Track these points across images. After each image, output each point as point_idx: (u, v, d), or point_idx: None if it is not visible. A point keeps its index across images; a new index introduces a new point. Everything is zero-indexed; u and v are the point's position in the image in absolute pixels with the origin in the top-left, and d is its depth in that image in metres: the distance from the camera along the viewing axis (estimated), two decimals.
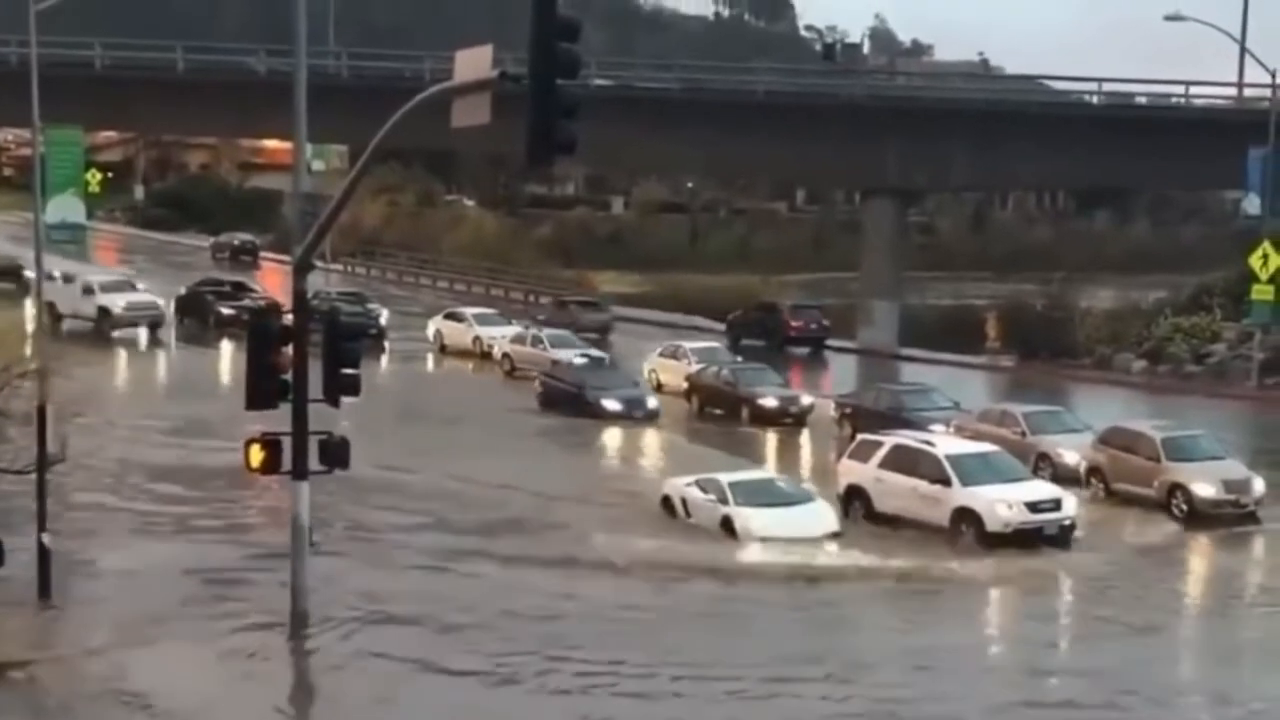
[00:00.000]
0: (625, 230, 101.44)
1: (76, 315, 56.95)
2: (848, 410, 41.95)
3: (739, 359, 49.79)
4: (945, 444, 31.53)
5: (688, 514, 30.13)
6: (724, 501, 29.33)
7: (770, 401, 43.21)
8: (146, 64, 68.44)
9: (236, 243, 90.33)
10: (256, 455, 21.72)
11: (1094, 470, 33.64)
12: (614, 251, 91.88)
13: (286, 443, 21.67)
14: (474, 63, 18.60)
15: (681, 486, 30.72)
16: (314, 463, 21.84)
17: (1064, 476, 33.17)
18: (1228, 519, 31.11)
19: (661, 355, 49.75)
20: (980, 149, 60.67)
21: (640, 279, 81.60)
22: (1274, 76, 54.24)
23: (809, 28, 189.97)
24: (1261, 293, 50.78)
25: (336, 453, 21.92)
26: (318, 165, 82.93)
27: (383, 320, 58.15)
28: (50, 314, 54.07)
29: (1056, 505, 29.20)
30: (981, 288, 67.66)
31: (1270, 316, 50.93)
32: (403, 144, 62.66)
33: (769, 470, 31.96)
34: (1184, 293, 59.31)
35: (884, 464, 30.66)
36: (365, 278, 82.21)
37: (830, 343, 62.47)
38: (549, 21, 17.01)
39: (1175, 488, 31.51)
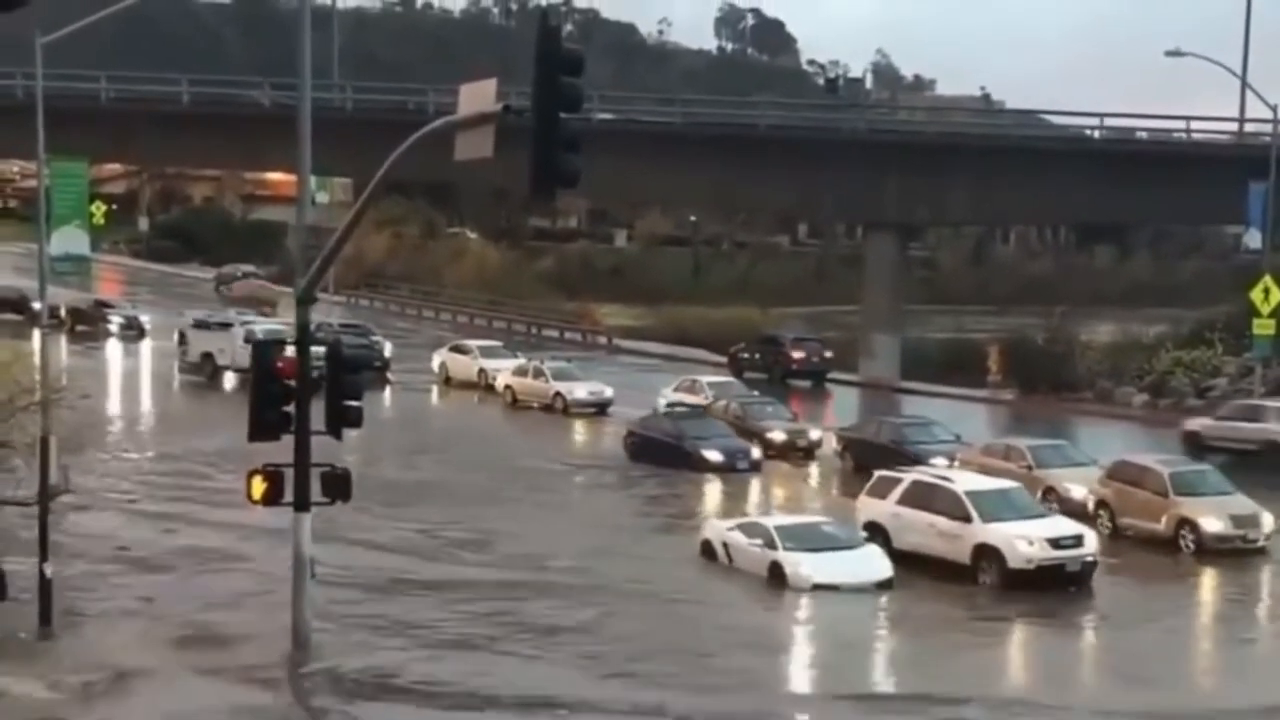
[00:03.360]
0: (627, 263, 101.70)
1: (237, 368, 51.40)
2: (849, 443, 41.96)
3: (755, 393, 49.65)
4: (964, 480, 31.14)
5: (730, 559, 29.20)
6: (771, 546, 28.26)
7: (778, 435, 43.10)
8: (151, 97, 68.80)
9: (240, 275, 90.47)
10: (258, 487, 21.79)
11: (1101, 505, 33.51)
12: (616, 284, 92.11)
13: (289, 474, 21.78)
14: (478, 96, 18.75)
15: (723, 530, 29.84)
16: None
17: (1070, 511, 33.01)
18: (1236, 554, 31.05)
19: (677, 389, 49.69)
20: (981, 183, 60.84)
21: (642, 311, 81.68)
22: (1275, 112, 54.29)
23: (811, 62, 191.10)
24: (1263, 327, 50.74)
25: (338, 484, 21.98)
26: (321, 198, 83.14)
27: (387, 353, 58.25)
28: (208, 364, 54.17)
29: (1078, 541, 28.86)
30: (982, 321, 67.73)
31: (1271, 350, 50.93)
32: (406, 177, 62.94)
33: (816, 514, 31.16)
34: (1185, 327, 59.41)
35: (903, 500, 30.30)
36: (369, 309, 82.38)
37: (832, 375, 62.54)
38: (553, 55, 17.12)
39: (1183, 523, 31.45)
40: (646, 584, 28.06)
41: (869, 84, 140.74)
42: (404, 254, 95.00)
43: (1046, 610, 27.21)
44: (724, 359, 64.31)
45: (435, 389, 56.76)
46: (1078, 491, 34.52)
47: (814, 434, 43.96)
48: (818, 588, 27.39)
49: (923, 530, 29.59)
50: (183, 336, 60.55)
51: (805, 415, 48.20)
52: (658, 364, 66.88)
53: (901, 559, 29.09)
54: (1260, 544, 31.45)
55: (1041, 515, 29.95)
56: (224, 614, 24.92)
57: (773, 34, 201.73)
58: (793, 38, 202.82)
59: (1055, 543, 28.49)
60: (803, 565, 27.70)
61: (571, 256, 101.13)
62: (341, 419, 21.92)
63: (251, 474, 21.89)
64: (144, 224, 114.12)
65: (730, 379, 53.50)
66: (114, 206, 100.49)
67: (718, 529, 30.17)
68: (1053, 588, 27.96)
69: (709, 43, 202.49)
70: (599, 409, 50.85)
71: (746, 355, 63.25)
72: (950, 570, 28.79)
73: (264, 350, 22.59)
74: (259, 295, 78.72)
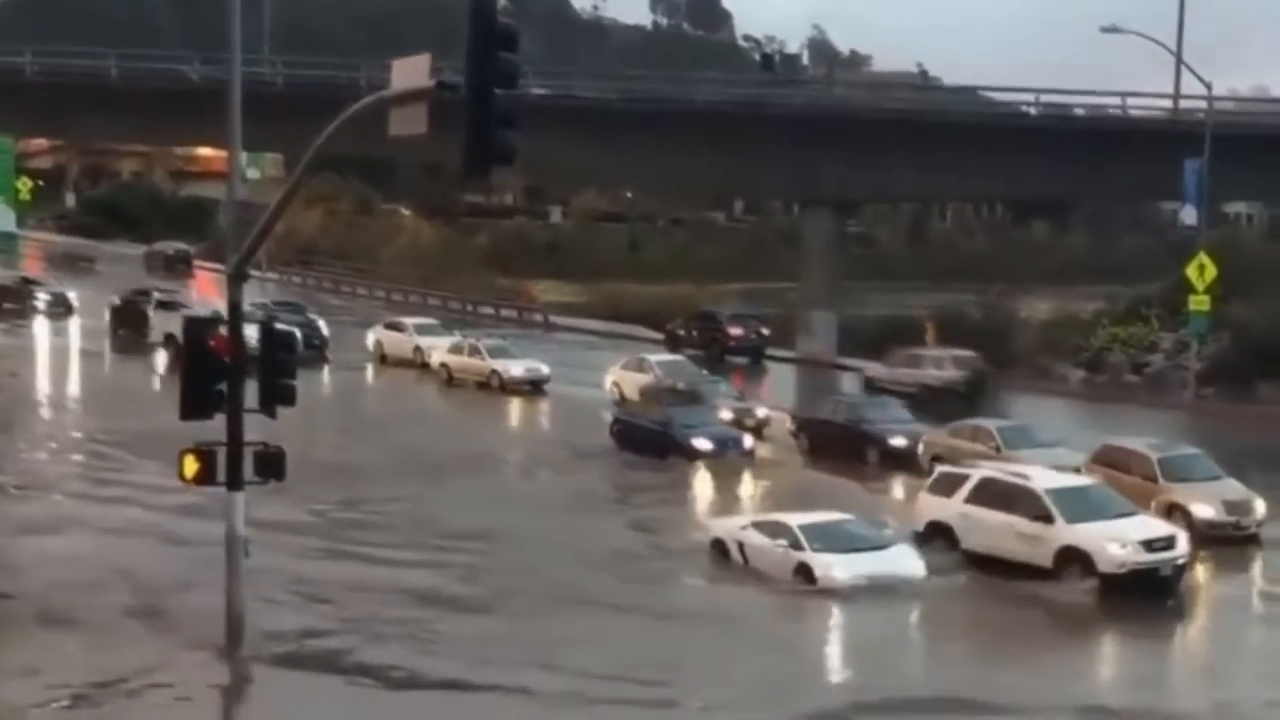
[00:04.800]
0: (563, 240, 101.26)
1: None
2: (804, 423, 41.25)
3: (704, 372, 49.20)
4: (1042, 477, 28.76)
5: (745, 559, 27.48)
6: (797, 547, 26.48)
7: (725, 414, 42.00)
8: (79, 72, 67.45)
9: (171, 251, 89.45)
10: (191, 466, 21.41)
11: None
12: (552, 261, 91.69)
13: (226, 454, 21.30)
14: (411, 71, 18.36)
15: (735, 529, 28.11)
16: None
17: None
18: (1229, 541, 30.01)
19: (624, 368, 49.14)
20: (918, 160, 60.63)
21: (578, 288, 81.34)
22: (1209, 89, 54.66)
23: (747, 38, 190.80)
24: (1198, 303, 51.06)
25: (272, 463, 21.62)
26: (253, 174, 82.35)
27: (324, 331, 57.55)
28: (171, 344, 51.78)
29: (1170, 543, 26.94)
30: (920, 298, 67.67)
31: (1207, 327, 51.23)
32: (339, 153, 62.15)
33: (838, 511, 28.94)
34: (1121, 303, 59.62)
35: (972, 499, 28.29)
36: (302, 286, 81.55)
37: (769, 352, 62.44)
38: (487, 30, 16.72)
39: (1173, 509, 30.04)
40: (657, 595, 26.09)
41: (805, 60, 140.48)
42: (337, 230, 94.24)
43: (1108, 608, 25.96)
44: (661, 336, 64.05)
45: (370, 367, 56.26)
46: None
47: (761, 412, 43.36)
48: (853, 590, 25.73)
49: (997, 531, 27.52)
50: (115, 313, 59.79)
51: (746, 393, 47.90)
52: (595, 341, 66.65)
53: (972, 561, 27.56)
54: (1252, 530, 30.45)
55: (1129, 514, 27.80)
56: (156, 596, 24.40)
57: (708, 9, 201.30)
58: (728, 13, 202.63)
59: (1148, 545, 26.60)
60: (835, 567, 26.01)
61: (507, 233, 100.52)
62: (276, 397, 21.53)
63: (184, 453, 21.51)
64: (71, 199, 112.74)
65: (678, 358, 52.98)
66: (40, 182, 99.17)
67: (729, 527, 28.38)
68: (1145, 594, 26.11)
69: (644, 18, 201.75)
70: (535, 387, 50.47)
71: (683, 332, 63.04)
72: (1027, 573, 26.76)
73: (196, 328, 22.12)
74: None
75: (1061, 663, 23.26)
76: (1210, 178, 52.75)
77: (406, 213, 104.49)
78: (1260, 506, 30.61)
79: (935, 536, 28.37)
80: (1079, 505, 27.35)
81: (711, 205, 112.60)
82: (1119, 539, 26.45)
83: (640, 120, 61.67)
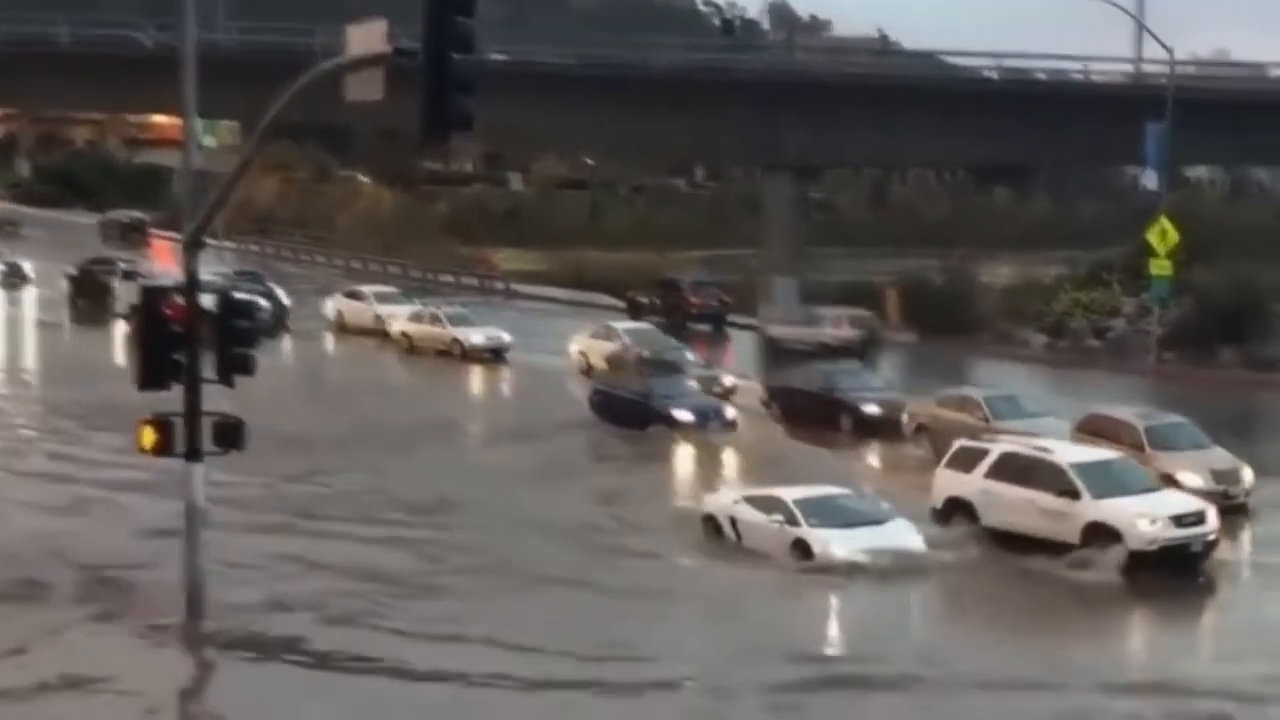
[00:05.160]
0: (524, 207, 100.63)
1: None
2: (776, 391, 40.63)
3: (671, 340, 48.84)
4: (1065, 451, 27.91)
5: (738, 536, 26.70)
6: (793, 523, 25.73)
7: (690, 383, 41.06)
8: (29, 39, 66.46)
9: (126, 220, 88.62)
10: (148, 436, 21.16)
11: None
12: (513, 228, 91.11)
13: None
14: (366, 37, 18.08)
15: (728, 505, 27.30)
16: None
17: None
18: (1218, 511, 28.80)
19: (591, 336, 48.72)
20: (879, 125, 60.46)
21: (540, 256, 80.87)
22: (1171, 53, 54.57)
23: (707, 2, 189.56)
24: (1160, 268, 51.02)
25: (231, 434, 21.35)
26: (208, 141, 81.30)
27: (285, 300, 56.95)
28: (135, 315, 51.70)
29: (1200, 518, 26.05)
30: (881, 264, 67.53)
31: (1169, 291, 51.22)
32: (296, 120, 61.52)
33: (831, 486, 28.17)
34: (1083, 268, 59.59)
35: (993, 474, 27.32)
36: (259, 255, 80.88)
37: (731, 319, 62.21)
38: None
39: (1161, 478, 28.77)
40: (641, 573, 25.26)
41: (765, 25, 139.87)
42: (295, 198, 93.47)
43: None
44: (622, 304, 63.76)
45: (330, 336, 55.83)
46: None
47: (726, 380, 42.81)
48: (852, 567, 25.01)
49: (1020, 508, 26.57)
50: (74, 284, 59.11)
51: (711, 361, 47.51)
52: (556, 309, 66.34)
53: (993, 538, 26.60)
54: (1241, 500, 29.84)
55: (1155, 489, 27.01)
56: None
57: None
58: None
59: (1178, 520, 25.76)
60: (834, 543, 25.33)
61: (466, 201, 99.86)
62: (234, 366, 21.22)
63: (142, 423, 21.26)
64: (24, 168, 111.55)
65: (646, 326, 52.47)
66: None
67: (722, 503, 27.58)
68: (1173, 571, 25.29)
69: None
70: (497, 355, 50.14)
71: (645, 300, 62.76)
72: (1047, 549, 25.88)
73: (152, 296, 21.79)
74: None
75: (1069, 639, 22.69)
76: (1172, 142, 52.69)
77: (364, 180, 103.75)
78: (1248, 475, 30.05)
79: (955, 513, 27.47)
80: (1105, 480, 26.52)
81: (672, 172, 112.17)
82: (1149, 515, 25.69)
83: (600, 86, 61.25)
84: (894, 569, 25.05)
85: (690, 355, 45.35)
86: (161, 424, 21.05)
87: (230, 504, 25.93)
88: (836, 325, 52.74)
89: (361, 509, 29.17)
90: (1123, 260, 56.82)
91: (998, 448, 28.07)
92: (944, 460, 28.90)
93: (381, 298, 57.13)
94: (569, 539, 27.10)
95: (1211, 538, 25.94)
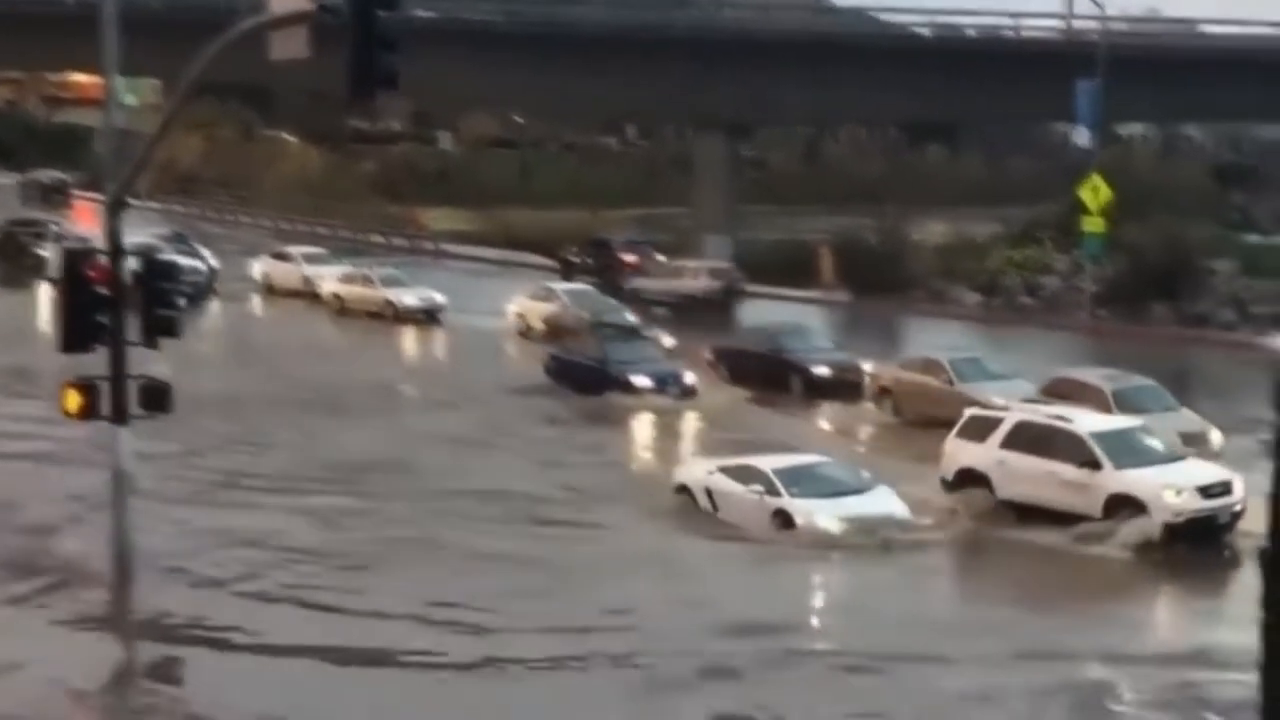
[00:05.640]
0: (453, 166, 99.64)
1: None
2: (723, 353, 39.88)
3: (612, 300, 48.30)
4: (1084, 420, 26.57)
5: (714, 507, 25.86)
6: (774, 493, 24.94)
7: (648, 348, 40.14)
8: None
9: (47, 180, 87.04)
10: (73, 400, 20.80)
11: None
12: (442, 188, 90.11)
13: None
14: None
15: (703, 475, 26.37)
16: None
17: None
18: None
19: (531, 297, 48.13)
20: (811, 82, 60.17)
21: (470, 215, 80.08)
22: (1102, 9, 54.51)
23: None
24: (1092, 225, 51.13)
25: (157, 396, 21.00)
26: (130, 100, 79.81)
27: (212, 262, 55.95)
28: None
29: (1227, 489, 24.81)
30: (815, 222, 67.29)
31: (1101, 248, 51.31)
32: (219, 78, 60.52)
33: (811, 453, 27.33)
34: (1016, 226, 59.70)
35: (1008, 444, 26.16)
36: (184, 216, 79.66)
37: None
38: None
39: None
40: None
41: None
42: (219, 158, 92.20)
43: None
44: (554, 263, 63.29)
45: (257, 298, 55.09)
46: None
47: (667, 341, 41.96)
48: (839, 537, 24.31)
49: (1039, 479, 25.49)
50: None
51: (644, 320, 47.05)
52: (488, 269, 65.84)
53: (1011, 510, 25.69)
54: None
55: (1177, 459, 25.92)
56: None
57: None
58: None
59: (1205, 491, 24.62)
60: (817, 514, 24.57)
61: (395, 160, 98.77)
62: (158, 329, 20.86)
63: (65, 386, 20.92)
64: None
65: (585, 287, 51.71)
66: None
67: (696, 473, 26.70)
68: (1198, 544, 24.16)
69: None
70: (430, 316, 49.59)
71: (577, 259, 62.28)
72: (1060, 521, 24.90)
73: (74, 258, 21.35)
74: None
75: (1062, 618, 21.59)
76: (1103, 99, 52.69)
77: (291, 139, 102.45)
78: (1216, 437, 29.57)
79: (967, 484, 26.30)
80: (1126, 449, 25.44)
81: (603, 130, 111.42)
82: (1175, 485, 24.59)
83: (528, 43, 60.63)
84: (881, 539, 24.36)
85: (630, 316, 44.97)
86: (86, 387, 20.76)
87: (155, 469, 25.29)
88: (696, 277, 54.72)
89: (292, 476, 28.63)
90: (1056, 218, 56.95)
91: (1012, 416, 26.92)
92: (955, 429, 27.47)
93: (310, 259, 56.40)
94: (512, 509, 26.45)
95: (1238, 508, 24.53)
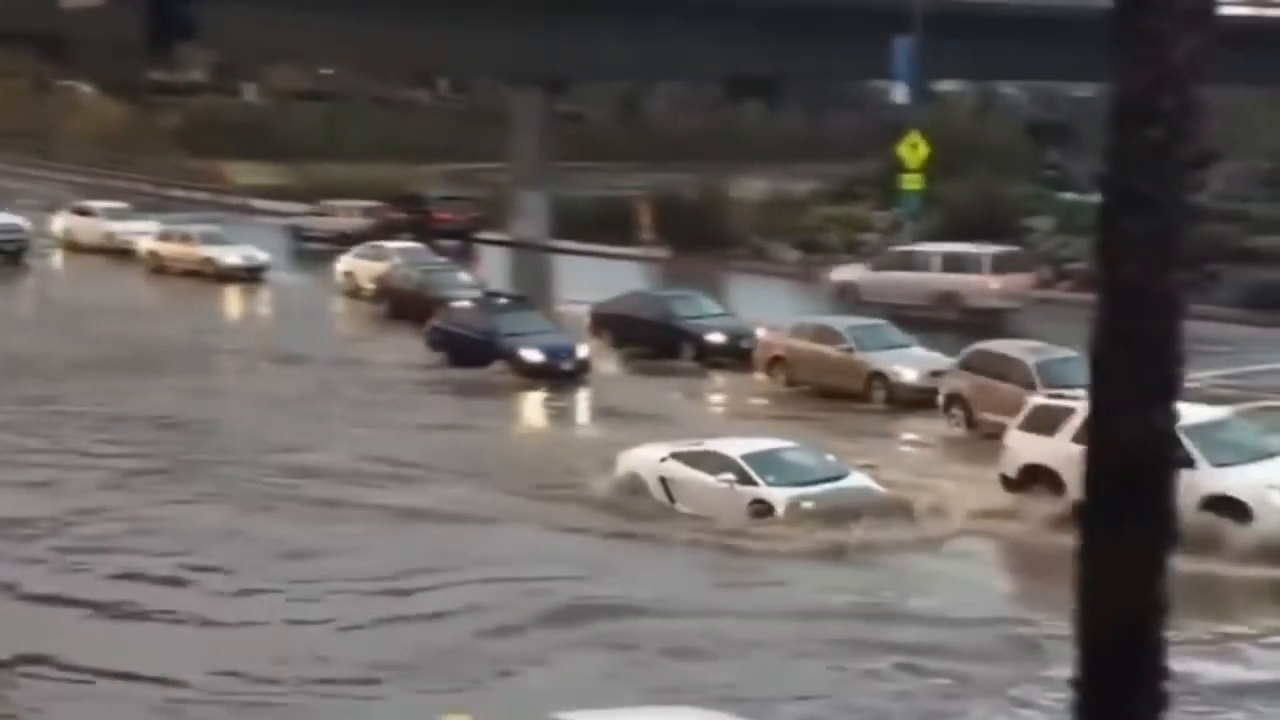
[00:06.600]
0: (259, 119, 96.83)
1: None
2: (605, 319, 38.21)
3: (442, 259, 46.80)
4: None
5: (670, 498, 24.01)
6: (748, 481, 23.22)
7: (464, 305, 38.83)
8: None
9: None
10: None
11: (954, 399, 29.46)
12: (248, 141, 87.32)
13: None
14: None
15: (655, 462, 24.40)
16: None
17: (901, 399, 30.81)
18: None
19: (360, 255, 46.43)
20: (628, 36, 59.09)
21: (278, 170, 77.83)
22: None
23: None
24: (911, 182, 50.95)
25: None
26: None
27: (23, 224, 52.99)
28: None
29: None
30: (634, 178, 66.47)
31: (920, 205, 51.23)
32: (9, 26, 57.92)
33: (769, 437, 25.54)
34: (836, 183, 59.56)
35: (1081, 437, 23.85)
36: None
37: (480, 235, 60.80)
38: None
39: None
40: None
41: None
42: (11, 110, 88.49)
43: None
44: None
45: (60, 255, 52.97)
46: (909, 376, 31.57)
47: (503, 303, 39.91)
48: (825, 528, 22.53)
49: None
50: None
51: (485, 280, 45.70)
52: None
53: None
54: None
55: (1274, 453, 23.07)
56: None
57: None
58: None
59: None
60: (803, 503, 22.88)
61: (198, 112, 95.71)
62: None
63: None
64: None
65: (417, 245, 50.15)
66: None
67: (647, 460, 24.62)
68: None
69: None
70: (253, 274, 47.89)
71: (391, 215, 60.89)
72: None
73: None
74: None
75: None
76: (921, 57, 52.46)
77: (88, 90, 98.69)
78: None
79: (1033, 482, 23.53)
80: (1222, 445, 22.63)
81: (415, 84, 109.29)
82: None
83: None
84: (876, 531, 22.66)
85: (464, 275, 43.73)
86: None
87: None
88: (349, 215, 58.42)
89: (99, 438, 27.17)
90: (875, 175, 56.88)
91: (1085, 406, 24.04)
92: (1018, 421, 24.97)
93: (113, 214, 54.80)
94: (308, 482, 25.20)
95: None
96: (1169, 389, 4.90)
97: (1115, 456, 4.96)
